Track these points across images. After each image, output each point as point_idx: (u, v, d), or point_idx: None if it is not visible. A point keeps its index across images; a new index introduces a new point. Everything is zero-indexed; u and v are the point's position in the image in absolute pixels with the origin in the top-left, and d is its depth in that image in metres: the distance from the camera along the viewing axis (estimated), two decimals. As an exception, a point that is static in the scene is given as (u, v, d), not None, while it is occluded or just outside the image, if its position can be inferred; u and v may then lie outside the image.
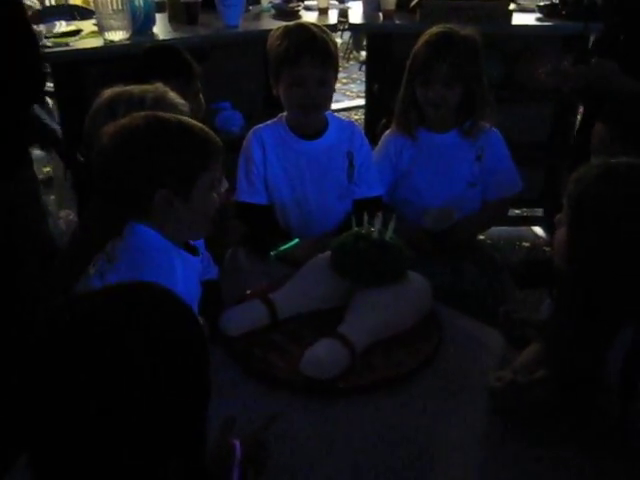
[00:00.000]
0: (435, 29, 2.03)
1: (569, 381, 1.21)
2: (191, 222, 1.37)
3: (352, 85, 6.31)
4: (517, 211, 3.75)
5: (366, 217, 1.58)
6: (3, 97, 1.99)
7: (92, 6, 4.59)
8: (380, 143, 2.17)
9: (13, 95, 2.02)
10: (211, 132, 1.40)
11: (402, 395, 1.36)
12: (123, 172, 1.31)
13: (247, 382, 1.40)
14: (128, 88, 1.67)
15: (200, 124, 1.40)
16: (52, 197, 3.52)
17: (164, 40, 3.10)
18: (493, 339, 1.52)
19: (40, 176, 4.42)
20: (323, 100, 1.92)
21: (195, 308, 1.40)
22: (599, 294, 1.19)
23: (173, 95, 1.66)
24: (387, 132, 2.16)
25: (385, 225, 1.56)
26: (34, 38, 2.09)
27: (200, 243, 1.50)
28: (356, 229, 1.58)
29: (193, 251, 1.44)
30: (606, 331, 1.17)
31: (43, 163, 4.67)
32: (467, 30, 2.01)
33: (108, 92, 1.67)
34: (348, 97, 5.97)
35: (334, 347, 1.38)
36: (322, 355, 1.37)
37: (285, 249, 1.80)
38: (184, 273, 1.37)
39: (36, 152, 4.98)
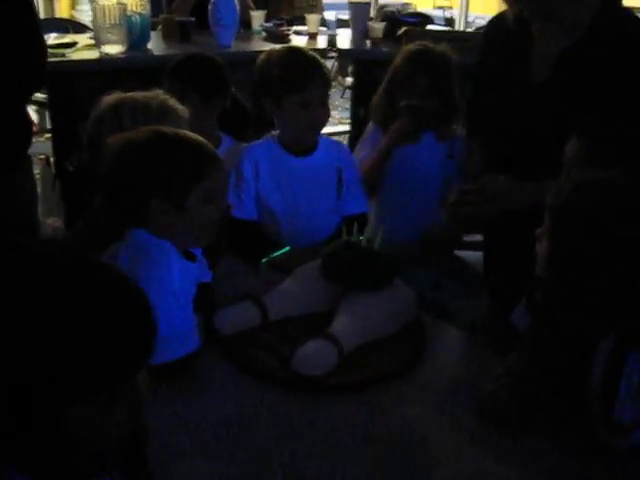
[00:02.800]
0: (413, 46, 2.27)
1: (553, 390, 1.28)
2: (187, 231, 1.45)
3: (334, 112, 6.43)
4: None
5: (356, 226, 1.66)
6: (7, 83, 2.01)
7: (78, 18, 4.69)
8: (364, 134, 2.38)
9: (17, 81, 2.04)
10: (209, 145, 1.48)
11: (388, 394, 1.42)
12: (123, 181, 1.41)
13: (240, 379, 1.45)
14: (130, 94, 1.74)
15: (198, 137, 1.47)
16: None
17: (158, 56, 3.19)
18: (473, 345, 1.61)
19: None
20: (325, 119, 2.06)
21: (190, 306, 1.47)
22: (581, 304, 1.27)
23: (173, 101, 1.74)
24: (369, 125, 2.36)
25: (374, 234, 1.65)
26: (38, 24, 2.13)
27: (198, 250, 1.57)
28: (346, 237, 1.66)
29: (191, 257, 1.50)
30: (588, 341, 1.23)
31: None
32: (441, 47, 2.26)
33: (110, 99, 1.73)
34: (331, 123, 6.07)
35: (324, 346, 1.44)
36: (312, 353, 1.43)
37: (275, 256, 1.87)
38: (181, 272, 1.44)
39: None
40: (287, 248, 1.91)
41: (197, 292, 1.52)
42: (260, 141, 2.12)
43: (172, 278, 1.41)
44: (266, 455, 1.26)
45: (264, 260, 1.87)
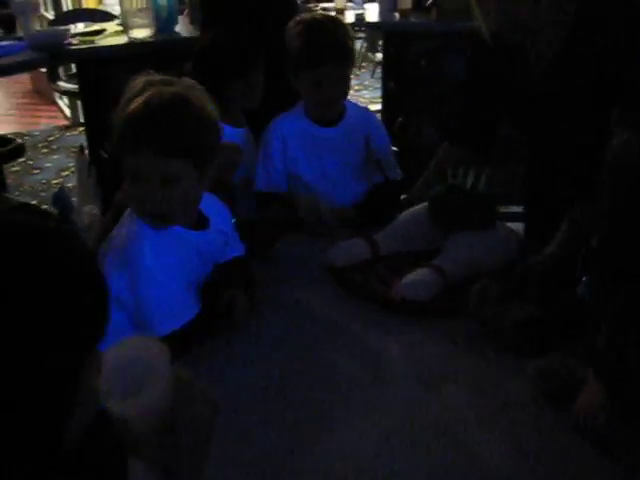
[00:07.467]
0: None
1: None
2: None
3: (365, 92, 6.37)
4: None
5: (461, 170, 1.67)
6: None
7: (104, 7, 4.65)
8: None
9: None
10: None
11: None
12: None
13: (349, 305, 1.54)
14: (155, 84, 1.67)
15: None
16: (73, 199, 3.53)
17: (187, 38, 3.16)
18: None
19: (59, 179, 4.48)
20: (341, 95, 1.99)
21: (175, 278, 1.39)
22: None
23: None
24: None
25: (478, 178, 1.66)
26: None
27: (228, 224, 1.54)
28: (451, 181, 1.68)
29: (203, 225, 1.45)
30: None
31: (61, 167, 4.76)
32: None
33: (136, 83, 1.68)
34: (362, 104, 6.07)
35: (428, 274, 1.52)
36: (419, 280, 1.50)
37: None
38: (157, 246, 1.38)
39: (54, 157, 4.98)
40: None
41: (232, 267, 1.50)
42: (288, 113, 2.05)
43: (139, 258, 1.35)
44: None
45: None
